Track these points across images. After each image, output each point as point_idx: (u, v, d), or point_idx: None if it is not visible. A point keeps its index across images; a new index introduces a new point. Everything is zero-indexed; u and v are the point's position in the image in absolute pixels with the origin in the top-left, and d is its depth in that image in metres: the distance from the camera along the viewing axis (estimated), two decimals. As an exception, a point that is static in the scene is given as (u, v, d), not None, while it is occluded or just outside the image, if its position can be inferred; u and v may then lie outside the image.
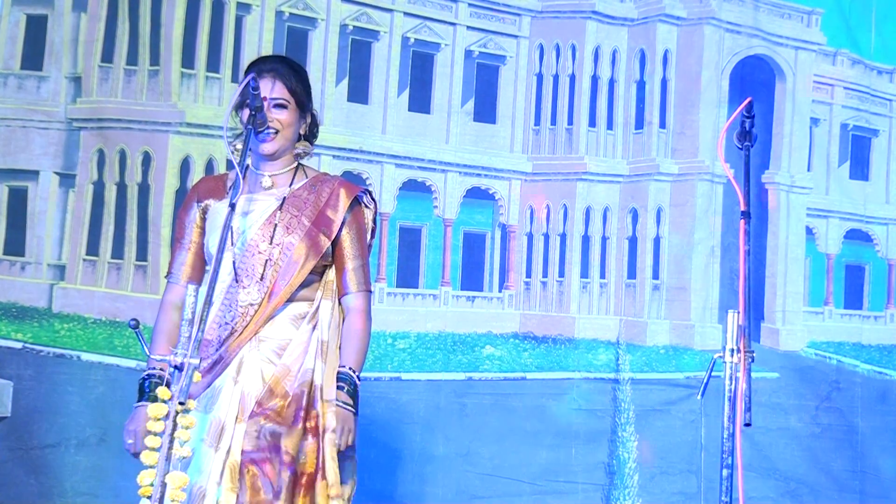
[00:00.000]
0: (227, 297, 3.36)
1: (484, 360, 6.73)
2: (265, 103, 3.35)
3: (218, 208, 3.45)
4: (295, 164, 3.52)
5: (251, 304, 3.35)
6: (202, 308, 2.89)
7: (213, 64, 6.49)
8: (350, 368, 3.39)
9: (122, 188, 6.38)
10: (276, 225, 3.41)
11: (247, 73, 3.44)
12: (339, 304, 3.50)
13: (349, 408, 3.35)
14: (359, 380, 3.41)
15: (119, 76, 6.43)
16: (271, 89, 3.42)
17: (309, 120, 3.56)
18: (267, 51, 6.42)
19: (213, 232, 3.43)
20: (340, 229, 3.47)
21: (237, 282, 3.36)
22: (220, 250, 2.99)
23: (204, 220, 3.49)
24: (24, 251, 6.26)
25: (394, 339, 6.60)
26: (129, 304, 6.19)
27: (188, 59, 6.45)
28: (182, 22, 6.43)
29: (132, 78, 6.43)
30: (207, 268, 3.44)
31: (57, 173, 6.35)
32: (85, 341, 6.08)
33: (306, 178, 3.52)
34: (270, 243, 3.39)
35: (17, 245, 6.25)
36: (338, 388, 3.36)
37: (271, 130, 3.39)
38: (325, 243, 3.44)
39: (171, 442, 2.81)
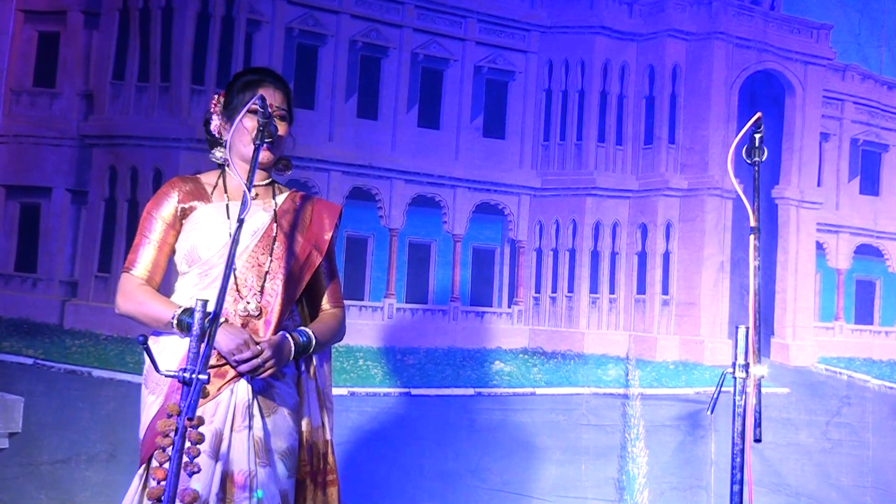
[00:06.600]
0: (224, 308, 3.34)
1: (493, 376, 6.73)
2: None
3: (205, 212, 3.44)
4: (270, 178, 3.55)
5: (249, 316, 3.36)
6: (210, 324, 2.89)
7: (224, 80, 6.48)
8: (311, 331, 3.44)
9: (133, 205, 6.40)
10: (274, 238, 3.43)
11: (235, 81, 3.50)
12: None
13: (291, 343, 3.36)
14: (316, 343, 3.42)
15: (130, 93, 6.46)
16: (275, 99, 3.45)
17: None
18: (277, 67, 6.44)
19: (203, 237, 3.42)
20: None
21: (237, 292, 3.37)
22: (229, 266, 2.97)
23: (181, 222, 3.45)
24: (36, 267, 6.28)
25: (403, 354, 6.60)
26: (139, 320, 6.19)
27: (198, 76, 6.48)
28: (192, 39, 6.46)
29: (143, 94, 6.46)
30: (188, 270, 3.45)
31: (69, 190, 6.38)
32: (96, 357, 6.09)
33: (283, 193, 3.56)
34: (270, 255, 3.41)
35: (29, 261, 6.27)
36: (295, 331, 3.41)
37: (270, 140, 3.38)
38: (318, 260, 3.49)
39: (181, 457, 2.82)
